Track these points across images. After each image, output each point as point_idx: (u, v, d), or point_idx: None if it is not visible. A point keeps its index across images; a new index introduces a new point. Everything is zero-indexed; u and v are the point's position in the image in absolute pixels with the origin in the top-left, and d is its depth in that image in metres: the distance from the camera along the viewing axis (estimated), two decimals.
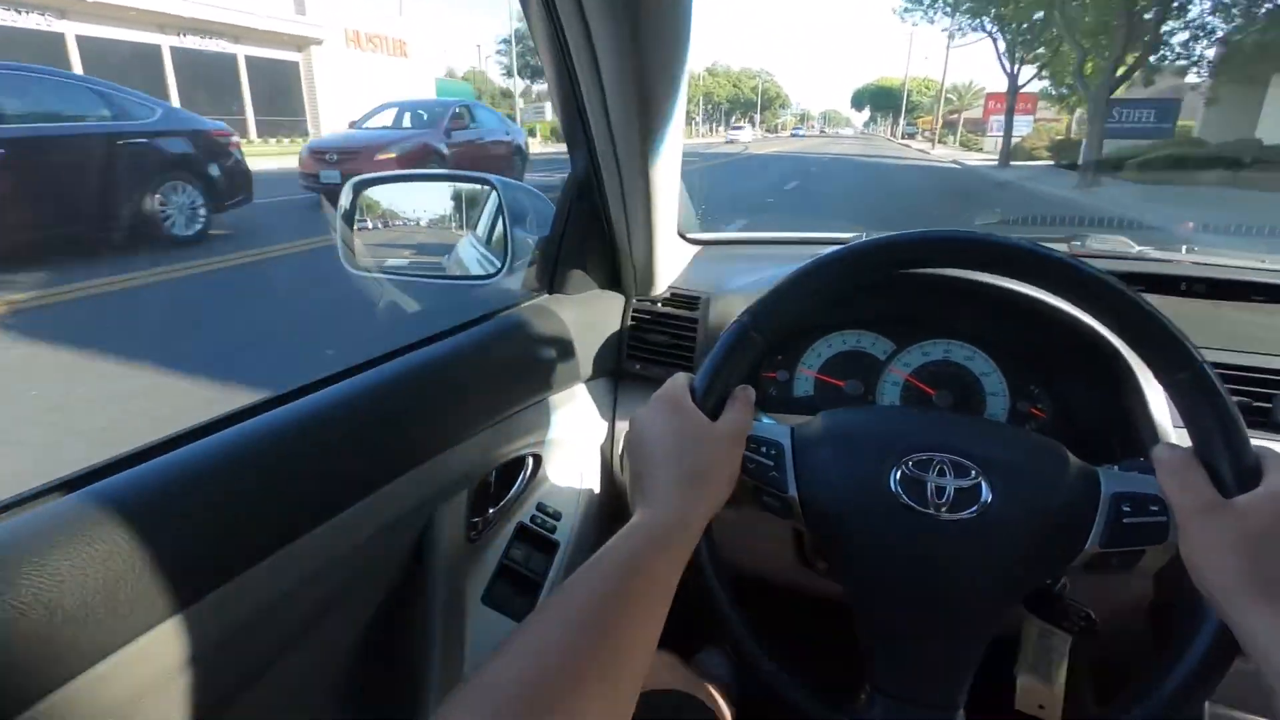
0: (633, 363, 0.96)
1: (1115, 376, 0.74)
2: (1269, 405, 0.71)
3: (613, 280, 0.97)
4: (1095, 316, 0.54)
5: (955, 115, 51.85)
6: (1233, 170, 11.89)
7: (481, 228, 0.95)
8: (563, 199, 0.86)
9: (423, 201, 0.99)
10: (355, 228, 0.90)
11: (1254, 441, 0.69)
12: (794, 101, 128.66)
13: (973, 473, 0.54)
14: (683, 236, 1.10)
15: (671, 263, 1.00)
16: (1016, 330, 0.82)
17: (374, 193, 0.92)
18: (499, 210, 0.88)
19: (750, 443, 0.58)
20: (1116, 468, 0.55)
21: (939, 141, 36.07)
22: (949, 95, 64.35)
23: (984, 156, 25.23)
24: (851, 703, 0.56)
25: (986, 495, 0.53)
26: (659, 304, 0.97)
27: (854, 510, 0.55)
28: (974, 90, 53.54)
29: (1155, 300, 0.87)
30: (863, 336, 0.90)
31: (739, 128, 53.39)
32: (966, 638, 0.54)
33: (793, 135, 67.76)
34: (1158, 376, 0.52)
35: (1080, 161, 16.26)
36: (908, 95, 69.93)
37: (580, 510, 0.88)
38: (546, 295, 0.91)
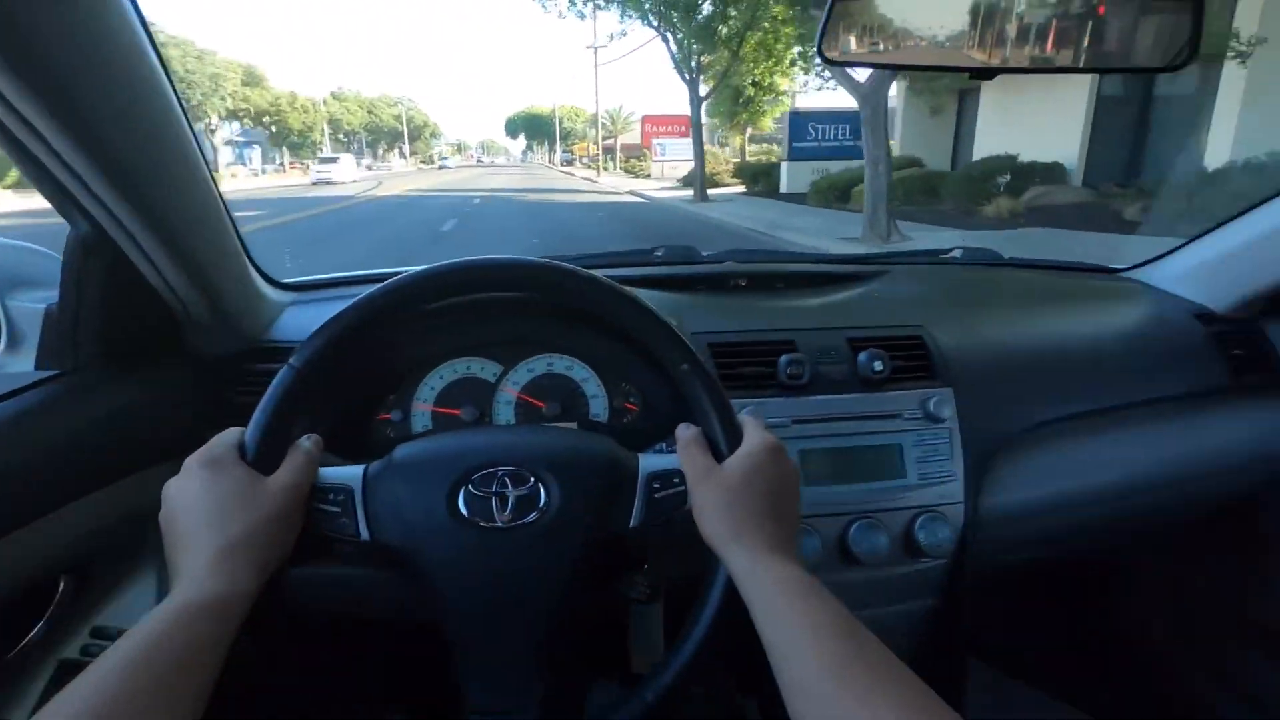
0: (213, 432, 0.83)
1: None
2: (773, 370, 0.89)
3: (174, 343, 0.84)
4: (618, 323, 0.61)
5: (611, 140, 53.00)
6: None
7: None
8: (68, 260, 0.71)
9: None
10: None
11: (767, 399, 0.86)
12: (445, 131, 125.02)
13: (530, 479, 0.57)
14: (274, 282, 1.00)
15: (253, 313, 0.90)
16: (600, 336, 0.90)
17: None
18: None
19: (316, 493, 0.55)
20: (663, 449, 0.63)
21: (601, 168, 34.80)
22: (601, 120, 67.83)
23: (661, 184, 22.98)
24: None
25: (544, 498, 0.56)
26: (242, 361, 0.87)
27: (429, 540, 0.55)
28: (625, 116, 54.60)
29: (708, 295, 1.05)
30: (471, 362, 0.91)
31: (330, 160, 32.61)
32: (547, 634, 0.56)
33: (440, 167, 61.53)
34: (666, 369, 0.59)
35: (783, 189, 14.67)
36: (560, 122, 69.62)
37: None
38: (72, 374, 0.74)
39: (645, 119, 34.40)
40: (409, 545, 0.55)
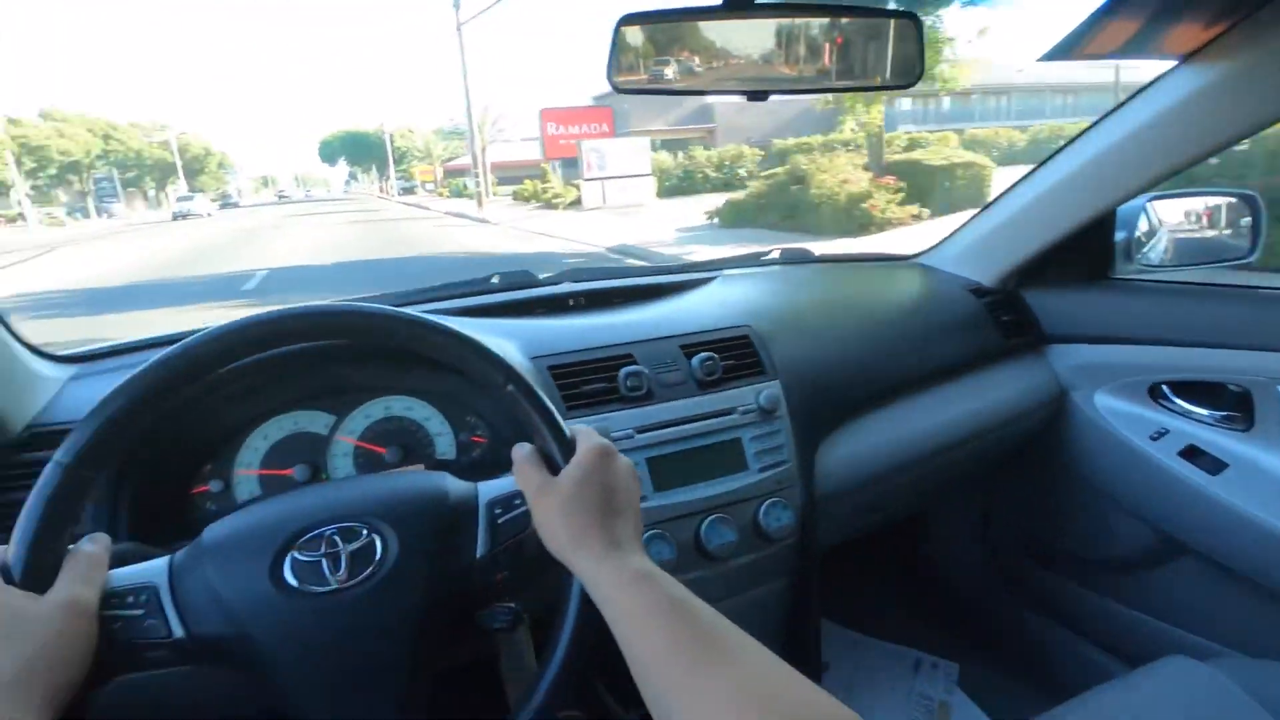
0: None
1: None
2: (615, 384, 0.91)
3: None
4: (433, 356, 0.59)
5: (455, 161, 44.74)
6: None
7: None
8: None
9: None
10: None
11: (611, 413, 0.88)
12: (243, 164, 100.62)
13: (364, 531, 0.54)
14: (49, 356, 0.88)
15: (22, 395, 0.78)
16: (438, 372, 0.88)
17: None
18: None
19: (111, 599, 0.48)
20: (506, 474, 0.62)
21: (481, 196, 21.70)
22: (424, 149, 52.65)
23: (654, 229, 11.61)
24: None
25: (380, 547, 0.54)
26: (13, 451, 0.75)
27: (254, 623, 0.50)
28: (458, 134, 45.01)
29: (547, 319, 1.06)
30: (300, 416, 0.85)
31: None
32: (410, 689, 0.53)
33: (180, 216, 34.64)
34: (491, 393, 0.59)
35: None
36: (390, 141, 53.95)
37: None
38: None
39: (545, 114, 22.34)
40: (234, 632, 0.50)
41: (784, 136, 20.21)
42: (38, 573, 0.46)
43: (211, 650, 0.50)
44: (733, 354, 0.99)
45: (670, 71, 0.68)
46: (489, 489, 0.59)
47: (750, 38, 0.69)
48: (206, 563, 0.52)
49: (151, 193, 58.69)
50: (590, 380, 0.90)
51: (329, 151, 66.79)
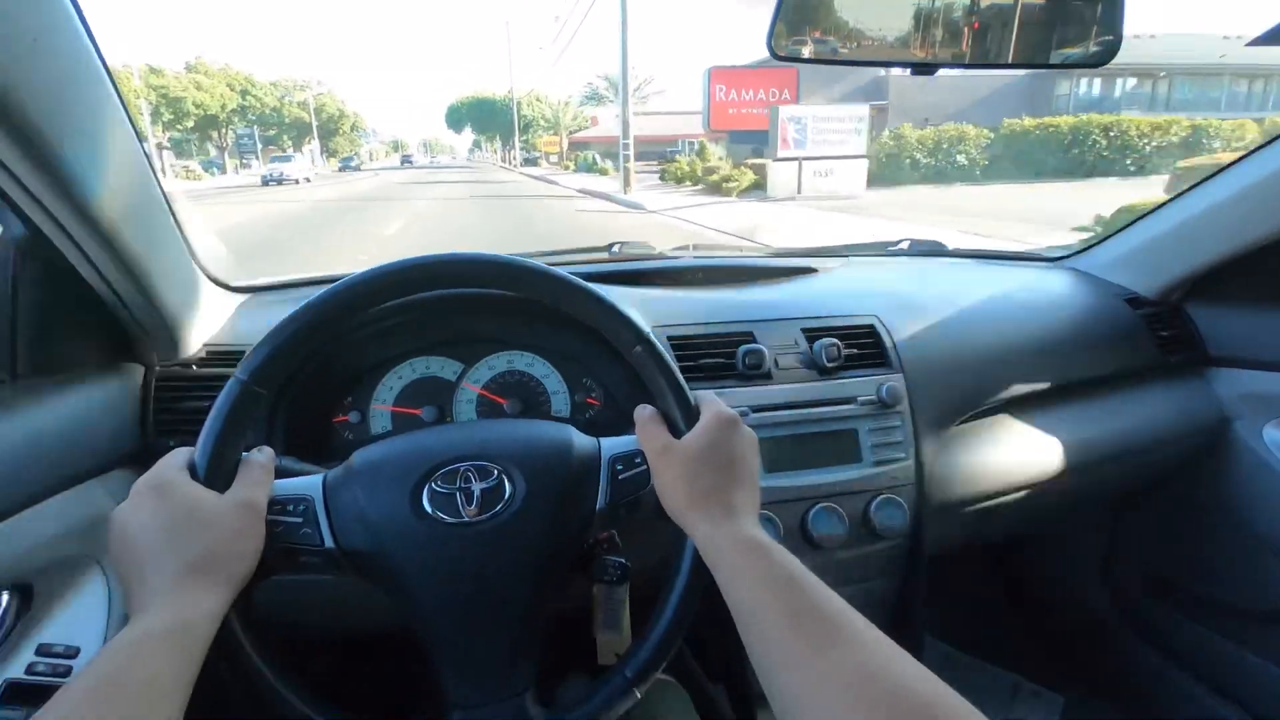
0: (165, 439, 0.81)
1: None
2: (733, 360, 0.91)
3: (123, 348, 0.81)
4: (571, 312, 0.61)
5: (577, 134, 45.24)
6: None
7: None
8: (1, 264, 0.68)
9: None
10: None
11: (727, 389, 0.88)
12: (372, 126, 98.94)
13: (495, 472, 0.57)
14: (225, 285, 0.97)
15: (203, 317, 0.87)
16: (560, 332, 0.91)
17: None
18: None
19: (274, 505, 0.53)
20: (626, 433, 0.64)
21: (628, 177, 15.81)
22: (551, 119, 50.26)
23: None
24: None
25: (509, 488, 0.56)
26: (192, 366, 0.84)
27: (396, 543, 0.54)
28: (576, 111, 46.34)
29: (667, 290, 1.07)
30: (431, 361, 0.91)
31: None
32: (523, 624, 0.56)
33: (341, 169, 40.81)
34: (622, 352, 0.60)
35: None
36: (517, 108, 49.86)
37: (110, 635, 0.71)
38: (8, 383, 0.71)
39: (715, 75, 17.58)
40: (376, 549, 0.54)
41: (971, 119, 17.31)
42: (219, 474, 0.52)
43: (355, 562, 0.55)
44: (856, 342, 0.95)
45: (835, 40, 0.66)
46: (611, 445, 0.60)
47: (921, 7, 0.65)
48: (355, 483, 0.56)
49: (290, 150, 55.85)
50: (709, 354, 0.90)
51: (456, 118, 63.65)
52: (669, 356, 0.60)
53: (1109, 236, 1.28)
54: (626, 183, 15.73)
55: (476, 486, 0.56)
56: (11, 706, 0.63)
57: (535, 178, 29.31)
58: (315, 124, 56.54)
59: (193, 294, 0.85)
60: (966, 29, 0.66)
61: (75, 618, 0.70)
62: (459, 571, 0.55)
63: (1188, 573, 1.27)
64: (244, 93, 46.74)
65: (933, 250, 1.37)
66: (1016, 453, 1.02)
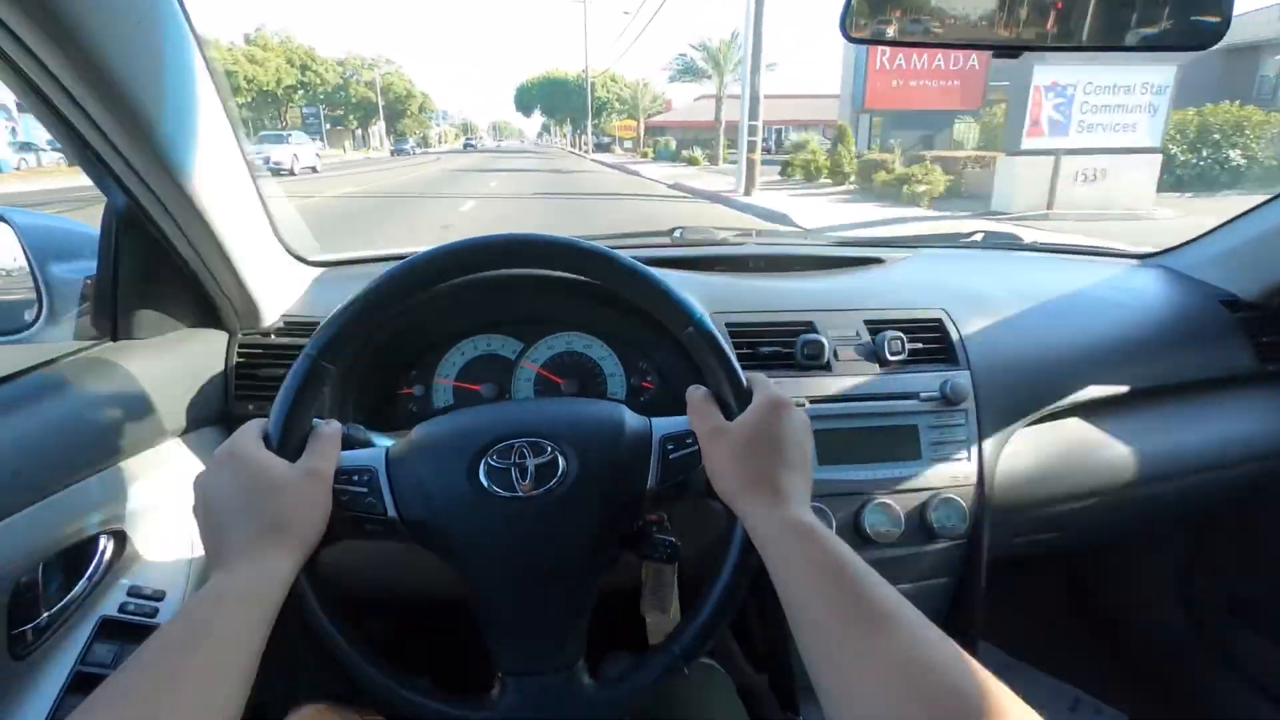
0: (244, 403, 0.86)
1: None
2: (792, 350, 0.89)
3: (207, 316, 0.86)
4: (625, 294, 0.61)
5: (654, 117, 41.13)
6: None
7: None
8: (105, 232, 0.73)
9: None
10: None
11: (784, 378, 0.87)
12: (441, 107, 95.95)
13: (549, 448, 0.58)
14: (302, 259, 1.02)
15: (281, 289, 0.92)
16: (619, 315, 0.91)
17: None
18: (20, 248, 0.72)
19: (341, 475, 0.56)
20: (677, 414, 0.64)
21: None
22: (627, 101, 45.96)
23: None
24: (487, 695, 0.57)
25: (563, 465, 0.57)
26: (270, 335, 0.89)
27: (453, 514, 0.56)
28: (653, 93, 42.09)
29: (728, 276, 1.06)
30: (492, 339, 0.93)
31: None
32: (574, 597, 0.58)
33: (394, 153, 35.85)
34: (675, 333, 0.60)
35: None
36: (591, 88, 44.63)
37: (192, 582, 0.76)
38: (109, 343, 0.77)
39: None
40: (435, 520, 0.56)
41: None
42: (290, 444, 0.55)
43: (415, 531, 0.57)
44: (921, 336, 0.92)
45: (914, 21, 0.63)
46: (662, 425, 0.60)
47: None
48: (416, 456, 0.58)
49: (358, 131, 55.93)
50: (767, 343, 0.89)
51: (525, 99, 59.43)
52: (721, 338, 0.59)
53: (1205, 234, 1.19)
54: (749, 181, 11.69)
55: (531, 462, 0.57)
56: (104, 641, 0.68)
57: (612, 166, 25.88)
58: (382, 104, 53.34)
59: (273, 267, 0.89)
60: (1054, 9, 0.62)
61: (162, 564, 0.76)
62: (512, 544, 0.56)
63: (1268, 596, 1.18)
64: (304, 68, 42.22)
65: (1008, 243, 1.31)
66: (1090, 458, 0.97)
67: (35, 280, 0.72)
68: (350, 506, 0.56)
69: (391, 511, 0.56)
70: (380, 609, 0.86)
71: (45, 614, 0.65)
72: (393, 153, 41.06)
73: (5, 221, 0.72)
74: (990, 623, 1.26)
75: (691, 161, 24.00)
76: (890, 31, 0.63)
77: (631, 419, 0.61)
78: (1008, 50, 0.62)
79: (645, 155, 33.25)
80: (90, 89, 0.56)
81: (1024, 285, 1.11)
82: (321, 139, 43.78)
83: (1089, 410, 0.99)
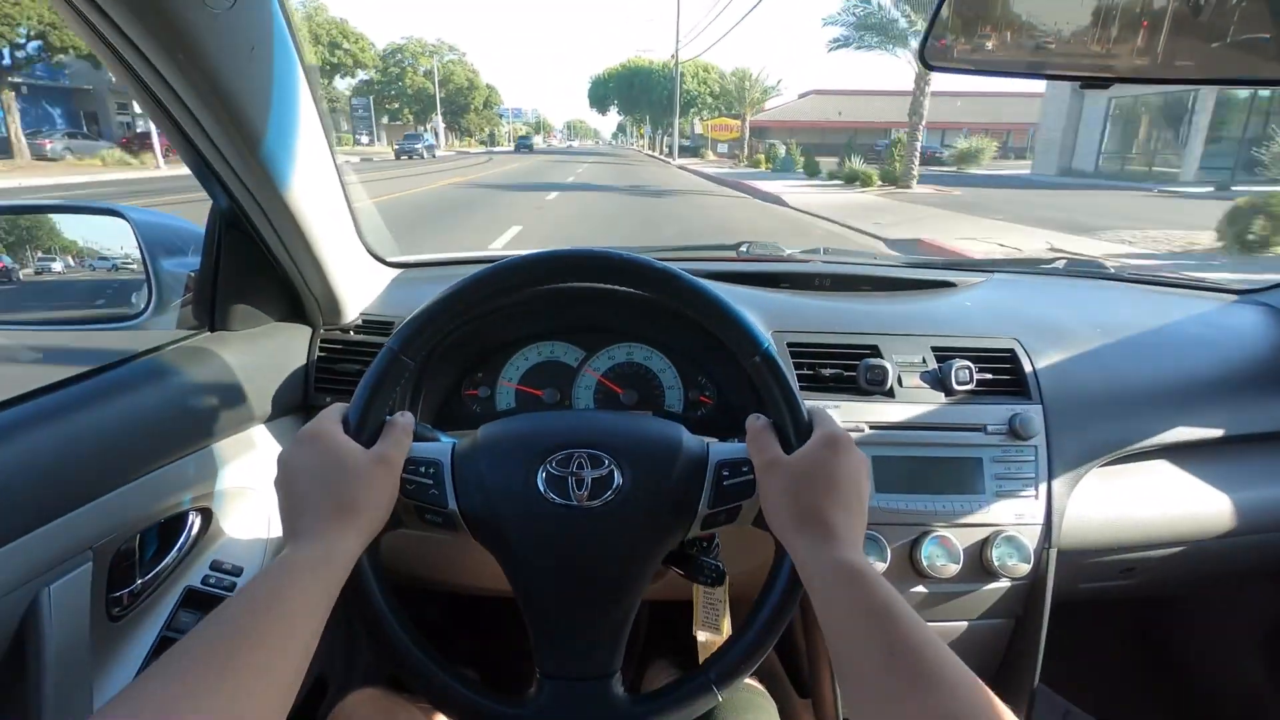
0: (323, 395, 0.91)
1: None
2: (854, 373, 0.88)
3: (294, 311, 0.92)
4: (694, 315, 0.62)
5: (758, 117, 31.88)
6: None
7: (117, 264, 0.84)
8: (209, 230, 0.79)
9: (36, 237, 0.84)
10: None
11: (844, 402, 0.86)
12: (515, 106, 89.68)
13: (606, 462, 0.59)
14: (381, 260, 1.07)
15: (362, 288, 0.97)
16: (680, 331, 0.92)
17: None
18: (136, 243, 0.79)
19: (409, 465, 0.59)
20: (735, 440, 0.64)
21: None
22: (730, 88, 33.56)
23: None
24: (522, 694, 0.59)
25: (618, 480, 0.59)
26: (350, 332, 0.94)
27: (509, 514, 0.59)
28: (761, 85, 32.12)
29: (793, 294, 1.05)
30: (555, 346, 0.95)
31: None
32: (615, 609, 0.59)
33: (398, 154, 29.15)
34: (740, 360, 0.61)
35: None
36: (680, 78, 34.94)
37: (268, 559, 0.82)
38: (207, 333, 0.83)
39: None
40: (491, 517, 0.59)
41: None
42: (366, 431, 0.58)
43: (473, 526, 0.59)
44: (991, 366, 0.90)
45: (1000, 49, 0.61)
46: (719, 450, 0.61)
47: (1104, 9, 0.59)
48: (480, 454, 0.61)
49: (420, 128, 46.75)
50: (829, 364, 0.88)
51: (600, 93, 51.74)
52: (786, 370, 0.60)
53: None
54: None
55: (588, 474, 0.59)
56: (188, 609, 0.74)
57: (717, 180, 18.24)
58: (440, 96, 46.16)
59: (356, 267, 0.95)
60: (1153, 37, 0.59)
61: (242, 541, 0.81)
62: (561, 551, 0.58)
63: None
64: (333, 45, 32.77)
65: (1092, 271, 1.25)
66: (1173, 505, 0.91)
67: (147, 272, 0.78)
68: (415, 496, 0.58)
69: (452, 504, 0.58)
70: (431, 599, 0.90)
71: (139, 580, 0.71)
72: (398, 154, 30.92)
73: (124, 217, 0.79)
74: (1052, 669, 1.21)
75: (857, 178, 15.30)
76: (973, 59, 0.62)
77: (689, 440, 0.62)
78: (1098, 81, 0.60)
79: (759, 164, 24.67)
80: (206, 105, 0.61)
81: (1106, 318, 1.05)
82: (373, 134, 38.46)
83: (1176, 453, 0.93)
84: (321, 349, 0.92)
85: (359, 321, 0.95)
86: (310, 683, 0.46)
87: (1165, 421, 0.92)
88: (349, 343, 0.93)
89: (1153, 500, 0.91)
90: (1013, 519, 0.84)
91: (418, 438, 0.62)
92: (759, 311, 0.92)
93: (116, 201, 0.80)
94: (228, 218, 0.78)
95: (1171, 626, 1.39)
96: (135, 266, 0.79)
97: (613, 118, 65.38)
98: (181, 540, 0.76)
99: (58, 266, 0.88)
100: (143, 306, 0.80)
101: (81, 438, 0.64)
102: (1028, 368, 0.90)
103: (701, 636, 0.74)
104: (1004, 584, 0.84)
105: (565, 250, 0.62)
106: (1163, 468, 0.93)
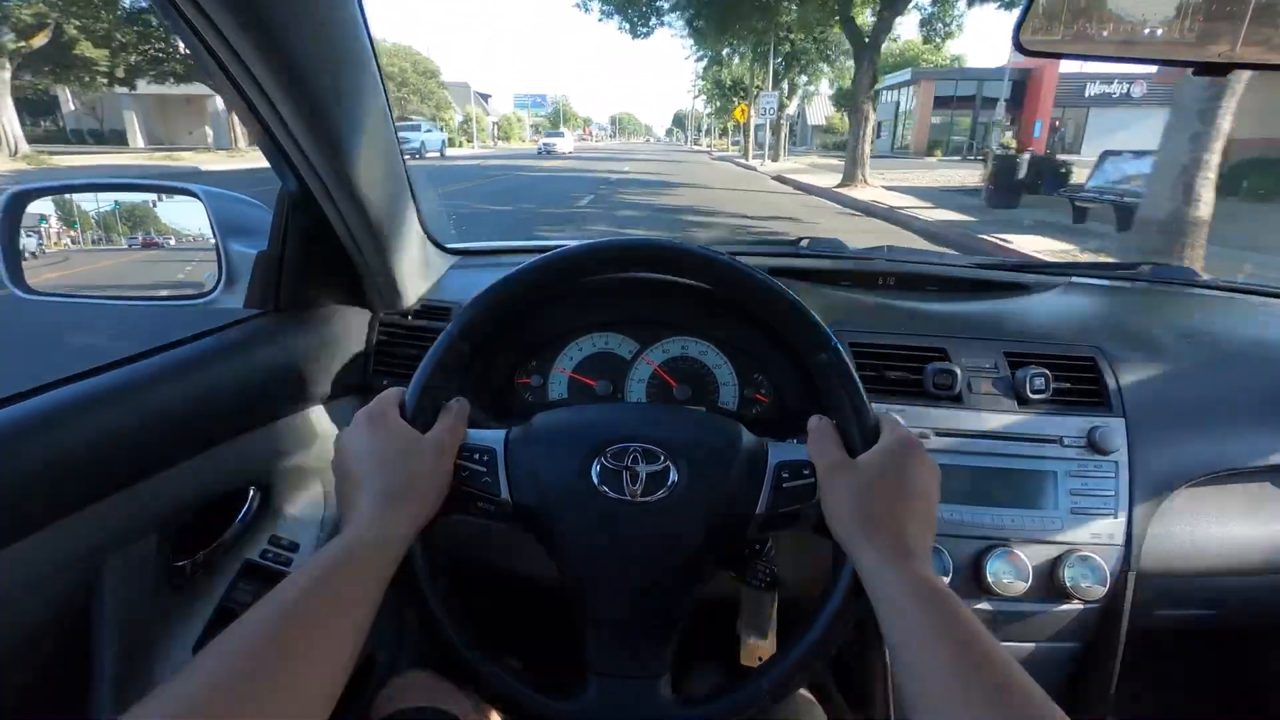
0: (380, 378, 0.92)
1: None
2: (920, 377, 0.84)
3: (355, 294, 0.93)
4: (759, 311, 0.60)
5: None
6: None
7: (189, 242, 0.86)
8: (278, 213, 0.81)
9: (134, 215, 0.87)
10: (21, 244, 0.78)
11: (909, 407, 0.82)
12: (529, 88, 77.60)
13: (662, 457, 0.58)
14: (440, 247, 1.08)
15: (422, 274, 0.97)
16: (737, 326, 0.90)
17: (44, 204, 0.80)
18: (209, 223, 0.81)
19: (464, 452, 0.59)
20: (795, 441, 0.62)
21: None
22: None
23: None
24: (573, 688, 0.58)
25: (674, 476, 0.57)
26: (409, 316, 0.95)
27: (562, 505, 0.58)
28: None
29: (855, 292, 1.01)
30: (610, 338, 0.94)
31: None
32: (666, 608, 0.57)
33: None
34: (804, 358, 0.58)
35: None
36: (792, 43, 21.10)
37: (324, 537, 0.83)
38: (272, 314, 0.85)
39: None
40: (543, 508, 0.58)
41: None
42: (423, 415, 0.58)
43: (524, 516, 0.59)
44: (1070, 375, 0.84)
45: (1102, 32, 0.57)
46: (779, 451, 0.59)
47: None
48: (534, 444, 0.60)
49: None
50: (894, 368, 0.84)
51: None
52: (853, 369, 0.57)
53: None
54: None
55: (643, 469, 0.57)
56: (246, 581, 0.76)
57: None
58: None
59: (417, 253, 0.95)
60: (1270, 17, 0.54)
61: (299, 518, 0.83)
62: (611, 545, 0.57)
63: None
64: None
65: (1180, 277, 1.17)
66: (1261, 531, 0.84)
67: (219, 252, 0.80)
68: (468, 482, 0.58)
69: (504, 493, 0.58)
70: (485, 584, 0.90)
71: (201, 553, 0.73)
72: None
73: (198, 198, 0.81)
74: (1127, 698, 1.14)
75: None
76: (1070, 43, 0.58)
77: (748, 440, 0.60)
78: (1213, 68, 0.55)
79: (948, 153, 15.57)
80: (277, 82, 0.62)
81: (1197, 326, 0.98)
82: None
83: (1269, 475, 0.86)
84: (381, 332, 0.93)
85: (418, 307, 0.96)
86: (361, 661, 0.46)
87: (1263, 441, 0.85)
88: (408, 327, 0.94)
89: (1249, 523, 0.84)
90: (1088, 538, 0.79)
91: (472, 424, 0.62)
92: (819, 308, 0.89)
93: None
94: (296, 200, 0.79)
95: (1262, 664, 1.30)
96: (206, 245, 0.81)
97: (666, 115, 53.99)
98: (242, 514, 0.78)
99: (146, 242, 0.91)
100: (213, 285, 0.82)
101: (152, 412, 0.66)
102: (1109, 378, 0.84)
103: (747, 639, 0.71)
104: (1076, 606, 0.79)
105: (628, 239, 0.61)
106: (1264, 490, 0.86)
